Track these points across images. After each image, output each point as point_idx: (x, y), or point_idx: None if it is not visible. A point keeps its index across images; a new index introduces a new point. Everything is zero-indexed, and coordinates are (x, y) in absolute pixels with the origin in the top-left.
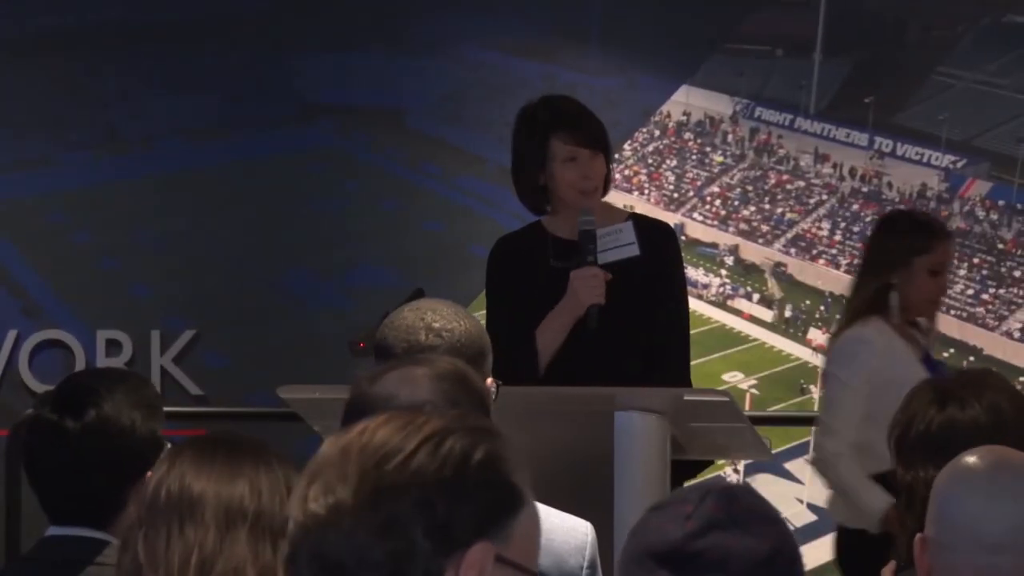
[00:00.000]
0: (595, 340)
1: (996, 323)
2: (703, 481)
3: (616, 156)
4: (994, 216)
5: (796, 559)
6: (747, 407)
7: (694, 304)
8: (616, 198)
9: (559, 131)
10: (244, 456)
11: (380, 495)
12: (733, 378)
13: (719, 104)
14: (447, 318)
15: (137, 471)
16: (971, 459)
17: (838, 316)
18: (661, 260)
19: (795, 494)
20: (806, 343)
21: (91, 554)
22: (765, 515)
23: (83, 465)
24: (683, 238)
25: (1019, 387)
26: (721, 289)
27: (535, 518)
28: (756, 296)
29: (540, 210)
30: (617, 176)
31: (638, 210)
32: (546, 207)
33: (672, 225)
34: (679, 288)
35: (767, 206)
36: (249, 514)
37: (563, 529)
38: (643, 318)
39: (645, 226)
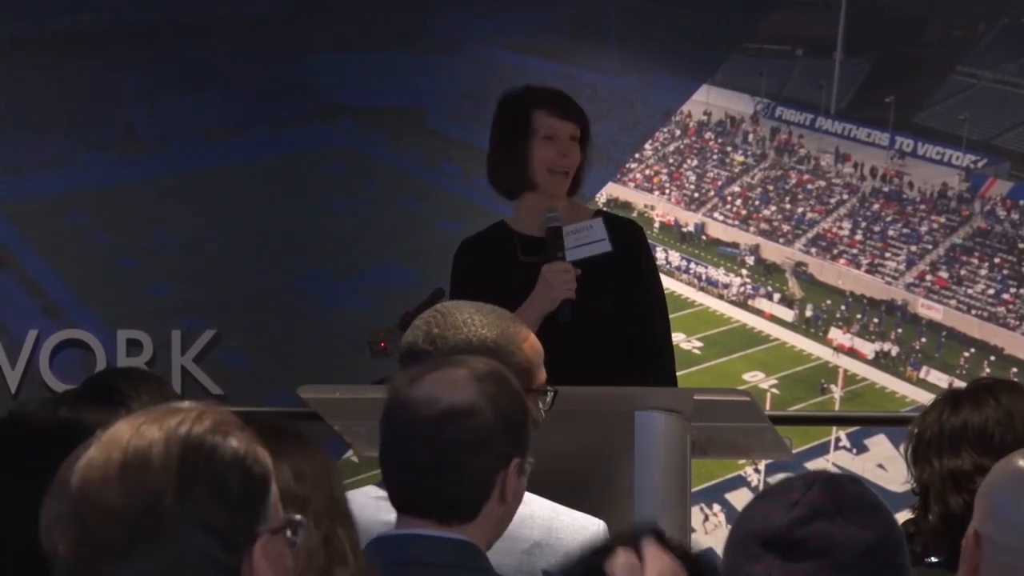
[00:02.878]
0: (565, 334)
1: (1017, 323)
2: (809, 471)
3: (636, 156)
4: (1015, 216)
5: (899, 549)
6: (768, 407)
7: (715, 304)
8: (637, 198)
9: (542, 106)
10: (287, 441)
11: (166, 531)
12: (754, 377)
13: (740, 104)
14: (447, 327)
15: None
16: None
17: (858, 315)
18: (632, 257)
19: None
20: (827, 343)
21: None
22: (870, 504)
23: None
24: (704, 238)
25: None
26: (742, 289)
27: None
28: (777, 296)
29: (511, 192)
30: (638, 176)
31: (659, 210)
32: (516, 192)
33: (696, 225)
34: (654, 284)
35: (788, 206)
36: (298, 500)
37: (572, 528)
38: (614, 314)
39: (615, 224)
